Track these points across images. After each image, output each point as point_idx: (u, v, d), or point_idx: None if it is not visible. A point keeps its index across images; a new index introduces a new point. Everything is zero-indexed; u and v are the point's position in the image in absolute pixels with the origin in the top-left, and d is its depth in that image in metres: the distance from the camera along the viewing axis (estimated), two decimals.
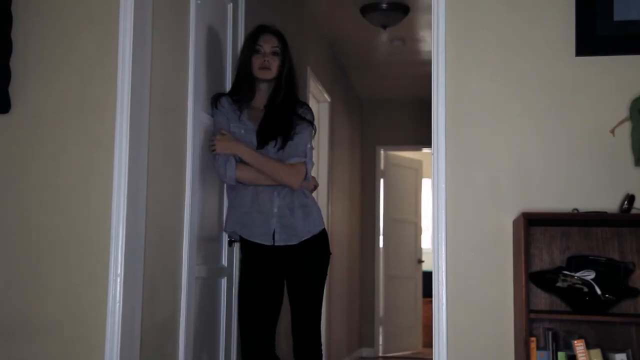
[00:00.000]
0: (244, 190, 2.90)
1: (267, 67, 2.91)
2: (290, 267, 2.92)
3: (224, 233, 3.07)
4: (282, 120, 2.91)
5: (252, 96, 2.96)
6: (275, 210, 2.88)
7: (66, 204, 2.30)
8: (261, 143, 2.89)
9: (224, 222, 2.99)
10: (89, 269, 2.25)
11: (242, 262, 2.98)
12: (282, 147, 2.88)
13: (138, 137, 2.31)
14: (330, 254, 3.01)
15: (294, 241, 2.88)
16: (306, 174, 2.91)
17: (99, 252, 2.24)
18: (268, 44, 2.93)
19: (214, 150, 2.84)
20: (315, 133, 3.01)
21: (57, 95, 2.35)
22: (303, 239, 2.89)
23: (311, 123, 2.97)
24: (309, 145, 2.94)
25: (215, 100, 2.94)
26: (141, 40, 2.34)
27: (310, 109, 3.04)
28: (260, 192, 2.88)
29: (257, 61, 2.92)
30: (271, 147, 2.89)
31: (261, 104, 2.98)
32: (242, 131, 2.91)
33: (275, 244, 2.87)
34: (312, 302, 2.93)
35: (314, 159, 3.05)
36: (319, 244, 2.95)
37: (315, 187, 3.10)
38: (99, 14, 2.35)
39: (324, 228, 2.98)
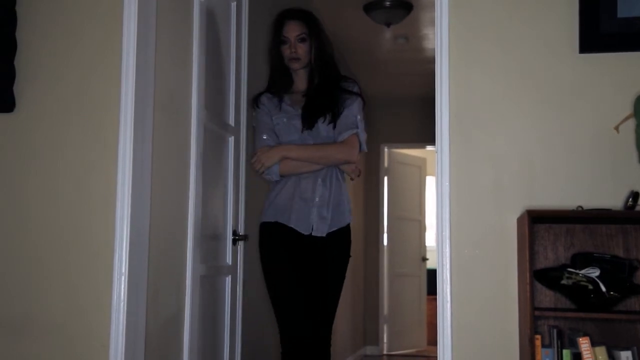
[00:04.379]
0: (285, 179, 2.85)
1: (295, 58, 2.87)
2: (314, 260, 2.82)
3: (228, 231, 3.07)
4: (326, 97, 2.86)
5: (290, 84, 2.93)
6: (317, 199, 2.82)
7: (70, 202, 2.31)
8: (309, 123, 2.84)
9: (263, 213, 2.90)
10: (93, 268, 2.26)
11: (269, 248, 2.85)
12: (332, 121, 2.83)
13: (142, 135, 2.31)
14: (350, 256, 2.93)
15: (324, 232, 2.82)
16: (360, 145, 2.85)
17: (103, 251, 2.24)
18: (293, 33, 2.88)
19: (260, 169, 2.81)
20: (364, 105, 2.92)
21: (61, 94, 2.36)
22: (330, 230, 2.83)
23: (359, 95, 2.91)
24: (359, 117, 2.88)
25: (254, 100, 2.94)
26: (145, 38, 2.34)
27: (356, 82, 2.97)
28: (303, 179, 2.83)
29: (285, 52, 2.89)
30: (321, 123, 2.84)
31: (302, 87, 2.94)
32: (285, 120, 2.88)
33: (313, 234, 2.80)
34: (331, 298, 2.85)
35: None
36: (345, 239, 2.88)
37: (359, 173, 2.97)
38: (102, 12, 2.35)
39: (349, 223, 2.90)
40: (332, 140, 2.84)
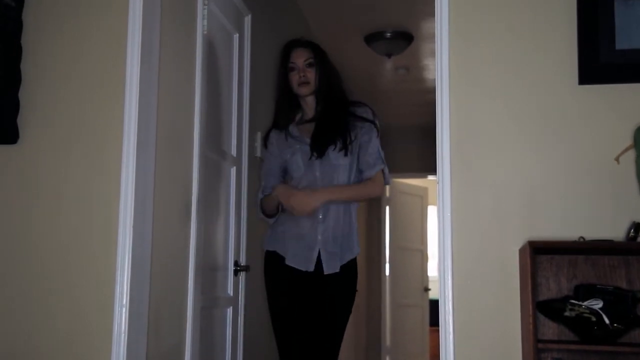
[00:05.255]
0: (288, 215, 2.83)
1: (305, 82, 2.86)
2: (318, 292, 2.77)
3: (229, 262, 3.06)
4: (337, 123, 2.83)
5: (297, 112, 2.93)
6: (320, 237, 2.77)
7: (72, 233, 2.31)
8: (320, 151, 2.80)
9: (264, 240, 2.91)
10: (95, 299, 2.25)
11: (271, 278, 2.84)
12: (343, 148, 2.79)
13: (144, 167, 2.32)
14: (356, 290, 2.88)
15: (337, 268, 2.77)
16: (385, 178, 2.86)
17: (105, 282, 2.24)
18: (301, 58, 2.89)
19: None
20: (379, 133, 2.89)
21: (64, 125, 2.37)
22: (343, 264, 2.79)
23: (374, 123, 2.87)
24: (381, 150, 2.87)
25: (265, 139, 2.96)
26: (148, 70, 2.36)
27: (369, 108, 2.92)
28: (302, 217, 2.79)
29: (294, 78, 2.89)
30: (331, 151, 2.80)
31: (311, 115, 2.93)
32: (289, 155, 2.87)
33: (325, 272, 2.75)
34: (335, 331, 2.77)
35: None
36: (351, 272, 2.83)
37: None
38: (106, 44, 2.37)
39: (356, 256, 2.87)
40: (341, 167, 2.80)
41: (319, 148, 2.81)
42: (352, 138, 2.82)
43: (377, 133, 2.87)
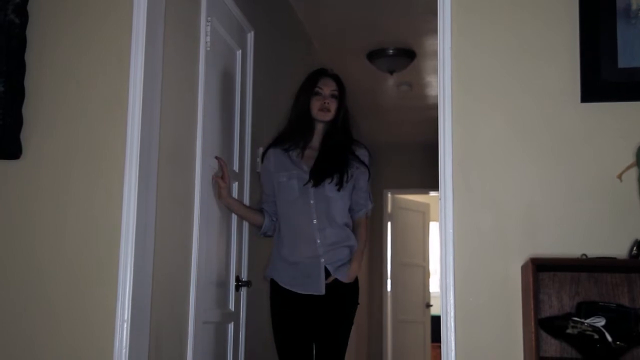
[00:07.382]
0: (285, 240, 2.89)
1: (326, 109, 2.96)
2: (322, 306, 2.84)
3: (231, 277, 3.06)
4: (338, 159, 2.96)
5: (310, 137, 3.00)
6: (322, 260, 2.86)
7: (74, 248, 2.31)
8: (316, 181, 2.91)
9: (267, 268, 2.95)
10: (96, 315, 2.25)
11: (274, 304, 2.91)
12: (338, 183, 2.91)
13: (146, 183, 2.33)
14: (358, 303, 2.97)
15: (345, 273, 2.88)
16: (367, 216, 3.04)
17: (106, 298, 2.23)
18: (328, 87, 2.99)
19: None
20: (370, 178, 3.07)
21: (67, 142, 2.38)
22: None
23: (368, 168, 3.03)
24: (369, 192, 3.05)
25: (263, 155, 3.02)
26: (151, 86, 2.38)
27: (367, 150, 3.08)
28: (301, 241, 2.87)
29: (316, 103, 2.97)
30: (327, 184, 2.91)
31: (316, 144, 3.01)
32: (284, 179, 2.93)
33: (343, 280, 2.86)
34: (339, 346, 2.82)
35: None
36: (353, 286, 2.92)
37: None
38: (110, 63, 2.39)
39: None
40: (334, 200, 2.91)
41: (317, 177, 2.91)
42: (349, 176, 2.96)
43: (369, 176, 3.04)
